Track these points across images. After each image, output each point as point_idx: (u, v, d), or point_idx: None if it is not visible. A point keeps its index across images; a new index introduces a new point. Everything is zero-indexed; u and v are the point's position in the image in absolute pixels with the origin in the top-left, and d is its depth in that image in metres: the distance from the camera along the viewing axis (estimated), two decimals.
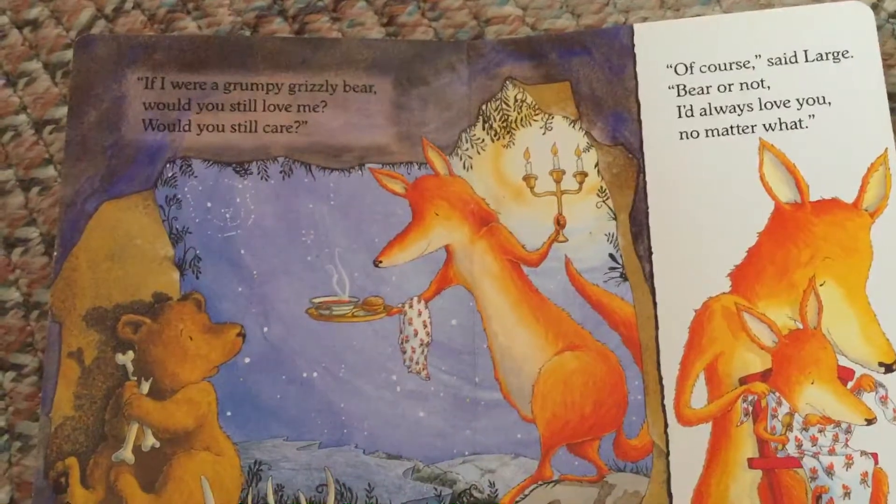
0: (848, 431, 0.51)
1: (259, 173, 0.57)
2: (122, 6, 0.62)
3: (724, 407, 0.52)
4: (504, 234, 0.56)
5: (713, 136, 0.55)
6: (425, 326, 0.55)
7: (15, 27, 0.63)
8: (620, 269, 0.55)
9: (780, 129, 0.55)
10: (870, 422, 0.51)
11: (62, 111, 0.61)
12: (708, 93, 0.56)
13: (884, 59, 0.56)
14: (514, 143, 0.57)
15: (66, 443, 0.52)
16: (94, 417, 0.53)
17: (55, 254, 0.55)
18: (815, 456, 0.51)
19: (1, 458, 0.56)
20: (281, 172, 0.57)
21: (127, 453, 0.52)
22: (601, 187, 0.56)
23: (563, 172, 0.57)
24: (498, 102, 0.58)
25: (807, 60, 0.55)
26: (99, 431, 0.52)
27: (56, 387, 0.53)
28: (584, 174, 0.56)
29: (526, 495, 0.53)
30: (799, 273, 0.53)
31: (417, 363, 0.55)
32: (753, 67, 0.56)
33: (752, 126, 0.55)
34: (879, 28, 0.57)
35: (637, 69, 0.57)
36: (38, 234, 0.59)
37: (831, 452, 0.51)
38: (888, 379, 0.51)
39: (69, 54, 0.61)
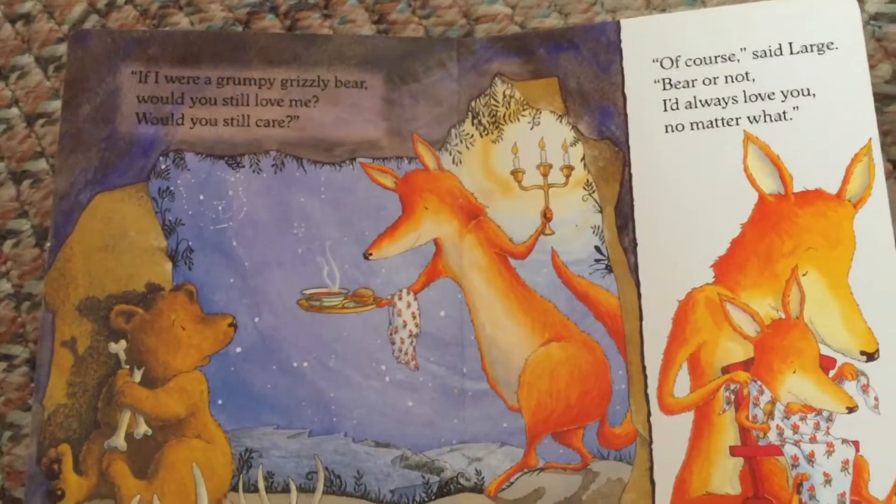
0: (829, 419, 0.55)
1: (251, 167, 0.61)
2: (114, 1, 0.67)
3: (706, 396, 0.56)
4: (492, 227, 0.61)
5: (698, 128, 0.59)
6: (414, 318, 0.59)
7: (7, 21, 0.67)
8: (606, 262, 0.59)
9: (765, 121, 0.59)
10: (851, 410, 0.54)
11: (54, 105, 0.65)
12: (693, 86, 0.60)
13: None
14: (502, 138, 0.62)
15: (59, 430, 0.56)
16: (86, 405, 0.57)
17: (49, 244, 0.59)
18: (796, 444, 0.55)
19: None
20: (273, 166, 0.61)
21: (119, 440, 0.56)
22: (587, 181, 0.61)
23: (550, 166, 0.61)
24: (487, 98, 0.62)
25: (791, 53, 0.60)
26: (92, 419, 0.57)
27: (49, 375, 0.57)
28: (571, 168, 0.61)
29: (512, 483, 0.57)
30: (782, 263, 0.57)
31: (406, 354, 0.59)
32: (738, 60, 0.60)
33: (737, 118, 0.59)
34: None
35: (623, 64, 0.61)
36: (29, 227, 0.64)
37: (812, 440, 0.55)
38: (870, 368, 0.55)
39: (61, 48, 0.66)
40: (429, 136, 0.62)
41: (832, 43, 0.59)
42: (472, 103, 0.62)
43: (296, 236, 0.60)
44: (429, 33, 0.66)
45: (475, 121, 0.62)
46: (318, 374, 0.58)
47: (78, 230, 0.59)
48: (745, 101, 0.59)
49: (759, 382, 0.56)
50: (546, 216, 0.61)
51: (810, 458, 0.54)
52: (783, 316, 0.56)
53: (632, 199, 0.59)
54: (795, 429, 0.55)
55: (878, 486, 0.54)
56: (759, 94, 0.59)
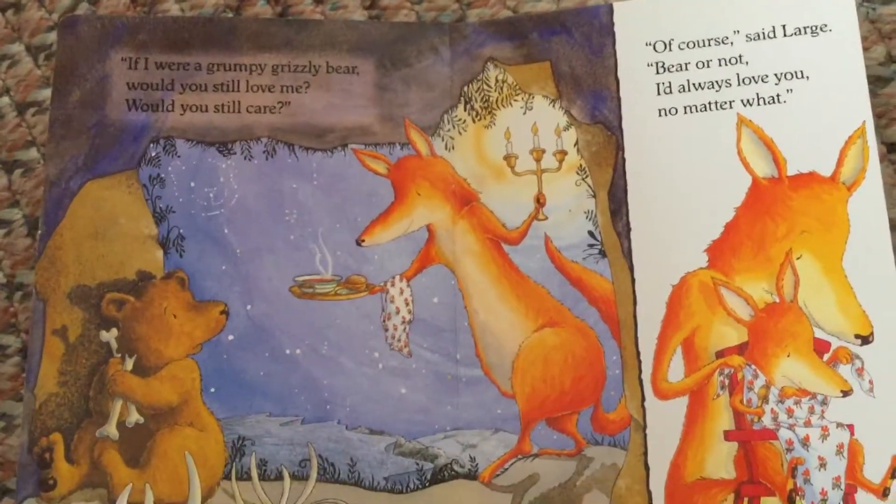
0: (824, 403, 0.55)
1: (242, 153, 0.61)
2: None
3: (700, 380, 0.56)
4: (485, 213, 0.61)
5: (691, 112, 0.59)
6: (407, 304, 0.59)
7: None
8: (599, 246, 0.59)
9: (759, 104, 0.59)
10: (846, 393, 0.55)
11: (45, 94, 0.65)
12: (686, 69, 0.60)
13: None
14: (494, 124, 0.62)
15: (51, 419, 0.56)
16: (78, 394, 0.57)
17: (39, 232, 0.59)
18: (791, 428, 0.55)
19: None
20: (264, 152, 0.61)
21: (111, 429, 0.57)
22: (580, 165, 0.60)
23: (543, 151, 0.61)
24: (479, 83, 0.62)
25: (785, 35, 0.60)
26: (83, 407, 0.57)
27: (40, 363, 0.57)
28: (564, 153, 0.61)
29: (506, 469, 0.57)
30: (776, 247, 0.57)
31: (399, 340, 0.59)
32: (732, 43, 0.60)
33: (731, 102, 0.59)
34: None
35: (616, 47, 0.61)
36: (21, 216, 0.64)
37: (807, 424, 0.55)
38: (864, 351, 0.55)
39: (52, 37, 0.66)
40: (421, 121, 0.62)
41: (826, 25, 0.59)
42: (465, 88, 0.62)
43: (288, 223, 0.60)
44: (421, 18, 0.66)
45: (468, 106, 0.62)
46: (310, 362, 0.58)
47: (68, 218, 0.59)
48: (739, 84, 0.59)
49: (753, 366, 0.56)
50: (539, 201, 0.60)
51: (805, 442, 0.55)
52: (777, 300, 0.56)
53: (625, 184, 0.59)
54: (790, 413, 0.55)
55: (873, 470, 0.54)
56: (753, 77, 0.59)
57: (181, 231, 0.59)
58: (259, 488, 0.56)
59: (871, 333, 0.55)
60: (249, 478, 0.56)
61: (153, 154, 0.60)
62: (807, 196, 0.57)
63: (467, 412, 0.58)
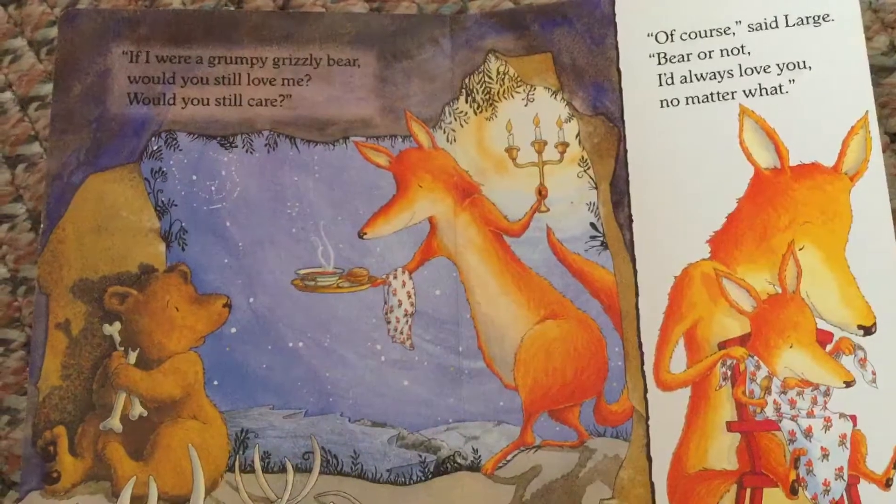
0: (826, 394, 0.55)
1: (244, 146, 0.61)
2: None
3: (702, 371, 0.56)
4: (487, 205, 0.61)
5: (693, 103, 0.59)
6: (409, 297, 0.59)
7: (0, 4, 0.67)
8: (601, 238, 0.59)
9: (761, 94, 0.59)
10: (848, 384, 0.54)
11: (47, 88, 0.65)
12: (688, 60, 0.60)
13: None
14: (496, 116, 0.62)
15: (54, 412, 0.56)
16: (81, 387, 0.57)
17: (42, 226, 0.59)
18: (793, 419, 0.55)
19: None
20: (266, 145, 0.61)
21: (115, 422, 0.57)
22: (582, 157, 0.60)
23: (545, 143, 0.61)
24: (481, 75, 0.62)
25: (787, 25, 0.59)
26: (87, 401, 0.57)
27: (44, 357, 0.57)
28: (566, 144, 0.61)
29: (508, 461, 0.57)
30: (778, 238, 0.57)
31: (402, 333, 0.59)
32: (734, 33, 0.60)
33: (733, 92, 0.59)
34: None
35: (618, 38, 0.61)
36: (24, 211, 0.64)
37: (810, 415, 0.55)
38: (867, 342, 0.55)
39: (54, 31, 0.65)
40: (422, 113, 0.62)
41: (828, 15, 0.59)
42: (466, 80, 0.62)
43: (289, 216, 0.60)
44: (422, 10, 0.65)
45: (469, 98, 0.62)
46: (313, 354, 0.58)
47: (70, 212, 0.59)
48: (741, 75, 0.59)
49: (755, 357, 0.56)
50: (541, 193, 0.60)
51: (808, 433, 0.54)
52: (780, 291, 0.56)
53: (627, 175, 0.59)
54: (792, 404, 0.55)
55: (876, 461, 0.54)
56: (755, 68, 0.59)
57: (183, 224, 0.59)
58: (262, 481, 0.56)
59: (874, 324, 0.55)
60: (253, 470, 0.56)
61: (155, 147, 0.60)
62: (809, 186, 0.57)
63: (470, 404, 0.58)
